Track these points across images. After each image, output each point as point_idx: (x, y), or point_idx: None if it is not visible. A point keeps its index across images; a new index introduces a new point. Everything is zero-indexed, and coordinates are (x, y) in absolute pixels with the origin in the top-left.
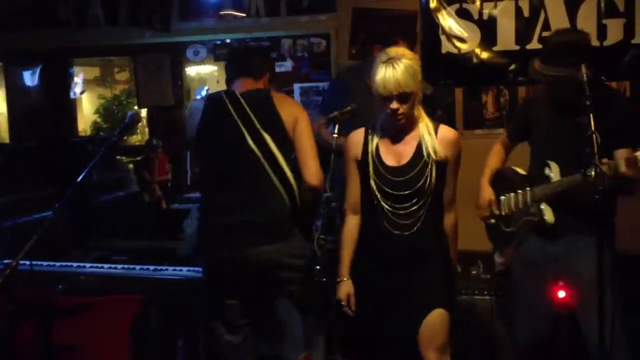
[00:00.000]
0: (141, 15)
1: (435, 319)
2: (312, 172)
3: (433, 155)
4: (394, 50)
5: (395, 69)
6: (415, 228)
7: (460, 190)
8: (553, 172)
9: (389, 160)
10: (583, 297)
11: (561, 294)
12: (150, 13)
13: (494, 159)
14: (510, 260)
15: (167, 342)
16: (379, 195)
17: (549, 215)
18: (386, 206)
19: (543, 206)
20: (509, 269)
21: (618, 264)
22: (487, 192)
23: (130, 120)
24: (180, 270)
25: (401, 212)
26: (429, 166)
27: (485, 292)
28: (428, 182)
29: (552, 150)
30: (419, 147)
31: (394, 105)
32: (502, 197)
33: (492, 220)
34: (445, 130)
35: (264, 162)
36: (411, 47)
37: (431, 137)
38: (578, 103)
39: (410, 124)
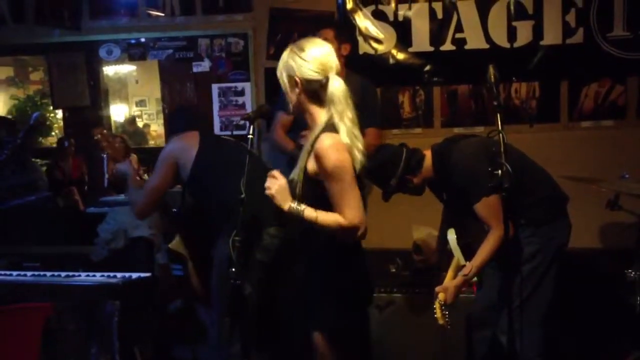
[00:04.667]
0: (49, 13)
1: (315, 342)
2: None
3: (299, 169)
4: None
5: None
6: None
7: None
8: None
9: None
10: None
11: None
12: (60, 10)
13: None
14: None
15: (80, 349)
16: None
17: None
18: None
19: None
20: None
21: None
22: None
23: (34, 122)
24: (94, 276)
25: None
26: (296, 183)
27: (404, 290)
28: (297, 200)
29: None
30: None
31: None
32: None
33: None
34: (320, 141)
35: None
36: (339, 34)
37: (307, 149)
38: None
39: (311, 126)
